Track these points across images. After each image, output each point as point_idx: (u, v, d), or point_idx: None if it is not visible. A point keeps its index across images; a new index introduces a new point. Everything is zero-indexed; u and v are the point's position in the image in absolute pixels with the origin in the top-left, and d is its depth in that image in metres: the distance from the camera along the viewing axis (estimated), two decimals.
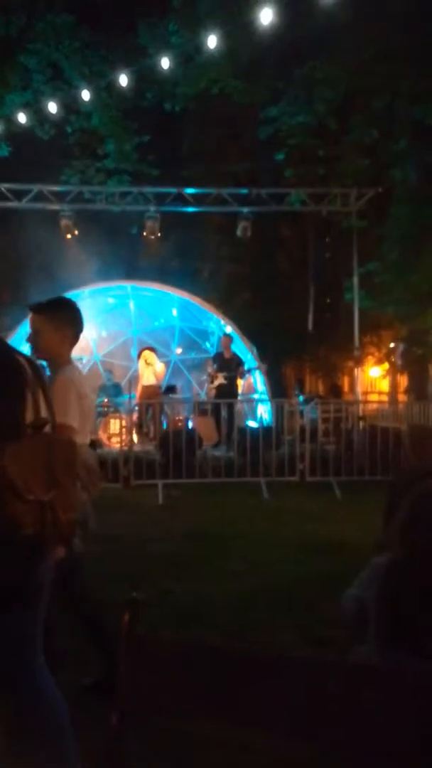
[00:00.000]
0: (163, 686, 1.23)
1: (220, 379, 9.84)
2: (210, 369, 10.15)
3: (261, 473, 7.74)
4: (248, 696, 1.17)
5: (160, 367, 10.31)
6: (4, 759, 1.77)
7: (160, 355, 12.54)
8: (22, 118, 11.44)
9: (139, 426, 9.46)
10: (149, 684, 1.23)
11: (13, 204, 10.07)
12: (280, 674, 1.18)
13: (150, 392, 9.90)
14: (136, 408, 9.43)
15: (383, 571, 1.97)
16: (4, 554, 1.70)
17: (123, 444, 8.43)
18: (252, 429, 9.20)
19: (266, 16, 8.69)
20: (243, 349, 11.69)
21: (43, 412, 1.84)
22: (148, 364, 10.11)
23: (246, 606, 3.99)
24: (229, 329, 11.73)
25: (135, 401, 9.46)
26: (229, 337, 10.56)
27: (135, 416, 9.32)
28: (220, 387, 9.84)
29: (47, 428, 1.84)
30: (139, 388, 9.93)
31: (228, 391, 9.78)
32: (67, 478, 1.78)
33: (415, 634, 1.83)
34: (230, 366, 9.94)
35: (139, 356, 10.58)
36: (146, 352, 10.33)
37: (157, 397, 9.92)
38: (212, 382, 10.03)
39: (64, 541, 1.82)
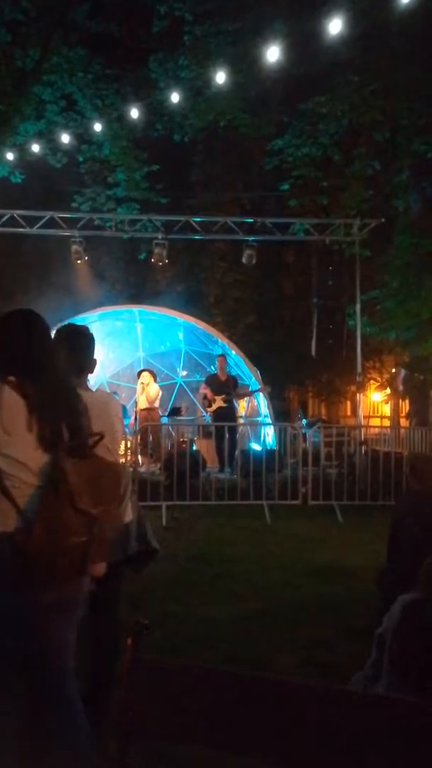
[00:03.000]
0: (165, 710, 1.23)
1: (219, 402, 9.54)
2: (206, 392, 9.79)
3: (264, 496, 7.78)
4: (250, 722, 1.17)
5: (153, 390, 9.98)
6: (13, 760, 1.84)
7: (165, 378, 12.72)
8: (35, 147, 11.81)
9: (144, 447, 9.50)
10: (151, 708, 1.23)
11: (25, 230, 10.33)
12: (283, 701, 1.18)
13: (144, 416, 9.71)
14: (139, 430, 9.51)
15: (404, 606, 2.01)
16: (57, 556, 1.82)
17: (128, 465, 8.54)
18: (255, 452, 9.28)
19: (273, 54, 8.97)
20: (247, 373, 11.86)
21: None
22: (144, 386, 9.87)
23: (247, 629, 4.03)
24: (233, 353, 11.91)
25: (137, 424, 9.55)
26: (223, 358, 10.31)
27: (140, 438, 9.42)
28: (218, 410, 9.54)
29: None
30: (138, 411, 9.83)
31: (227, 415, 9.49)
32: (114, 498, 2.01)
33: (423, 670, 1.86)
34: (227, 388, 9.65)
35: (138, 377, 10.36)
36: (143, 375, 10.08)
37: (153, 420, 9.81)
38: (210, 405, 9.73)
39: (105, 557, 1.98)
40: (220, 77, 10.01)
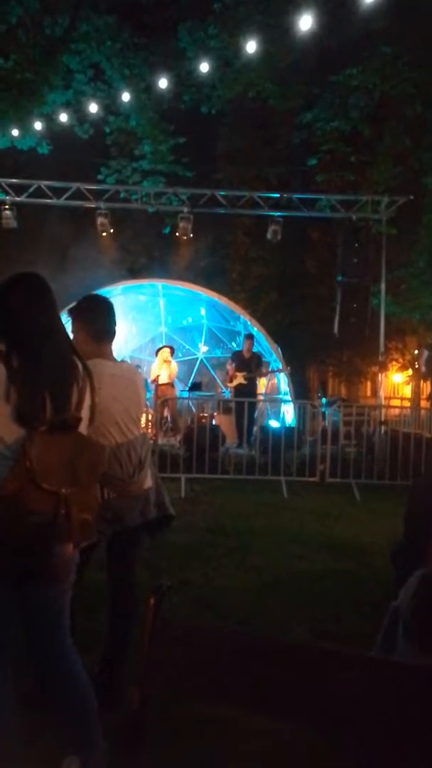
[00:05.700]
0: (185, 670, 1.24)
1: (239, 379, 9.81)
2: (229, 367, 10.17)
3: (282, 472, 7.85)
4: (269, 682, 1.19)
5: (174, 366, 10.52)
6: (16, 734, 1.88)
7: (187, 353, 12.81)
8: (63, 117, 11.78)
9: (158, 421, 9.62)
10: (171, 667, 1.24)
11: (51, 201, 10.37)
12: (301, 663, 1.19)
13: (164, 390, 9.97)
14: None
15: (422, 579, 2.02)
16: (14, 535, 1.79)
17: (149, 436, 8.65)
18: (274, 429, 9.34)
19: (305, 23, 8.74)
20: (267, 350, 11.86)
21: (85, 412, 1.98)
22: (166, 361, 10.26)
23: (260, 599, 4.09)
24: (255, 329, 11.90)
25: (153, 398, 9.66)
26: (251, 339, 10.58)
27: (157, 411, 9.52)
28: (238, 387, 9.81)
29: (84, 429, 1.98)
30: (155, 386, 10.01)
31: (247, 392, 9.71)
32: (89, 478, 1.93)
33: None
34: (249, 366, 9.92)
35: (157, 353, 10.69)
36: (166, 351, 10.47)
37: (172, 394, 10.10)
38: (231, 381, 10.04)
39: (74, 538, 1.89)
40: (250, 47, 9.81)
